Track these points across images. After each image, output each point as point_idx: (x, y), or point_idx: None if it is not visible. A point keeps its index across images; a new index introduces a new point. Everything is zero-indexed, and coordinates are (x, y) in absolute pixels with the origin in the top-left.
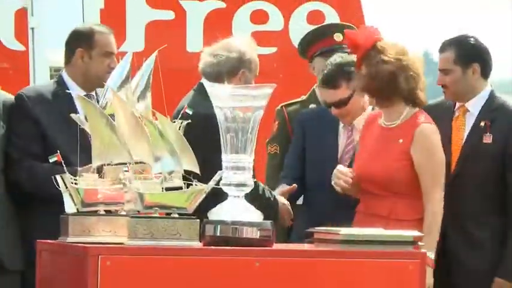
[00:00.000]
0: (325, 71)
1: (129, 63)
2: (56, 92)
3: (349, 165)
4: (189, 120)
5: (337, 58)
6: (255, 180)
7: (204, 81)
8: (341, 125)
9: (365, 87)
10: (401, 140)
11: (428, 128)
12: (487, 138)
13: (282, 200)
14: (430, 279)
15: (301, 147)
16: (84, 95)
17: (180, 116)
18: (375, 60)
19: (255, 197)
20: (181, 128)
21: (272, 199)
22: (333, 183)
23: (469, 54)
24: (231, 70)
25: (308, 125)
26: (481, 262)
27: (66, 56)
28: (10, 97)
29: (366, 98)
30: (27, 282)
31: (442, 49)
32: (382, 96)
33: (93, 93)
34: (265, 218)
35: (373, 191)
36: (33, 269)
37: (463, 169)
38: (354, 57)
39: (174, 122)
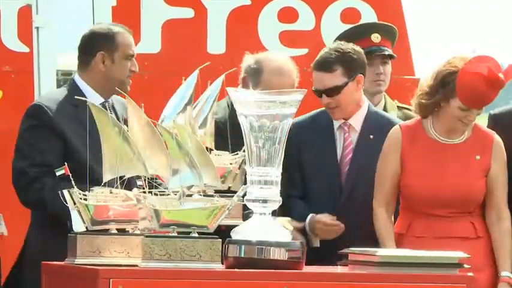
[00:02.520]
0: (321, 53)
1: (193, 85)
2: (72, 100)
3: (350, 170)
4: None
5: (337, 44)
6: None
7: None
8: (335, 127)
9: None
10: (478, 157)
11: (499, 138)
12: None
13: (323, 219)
14: None
15: (297, 161)
16: (101, 103)
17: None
18: None
19: None
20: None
21: None
22: (311, 233)
23: None
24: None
25: (302, 137)
26: None
27: (83, 60)
28: None
29: (363, 95)
30: None
31: None
32: None
33: (110, 99)
34: None
35: (440, 213)
36: None
37: None
38: (350, 44)
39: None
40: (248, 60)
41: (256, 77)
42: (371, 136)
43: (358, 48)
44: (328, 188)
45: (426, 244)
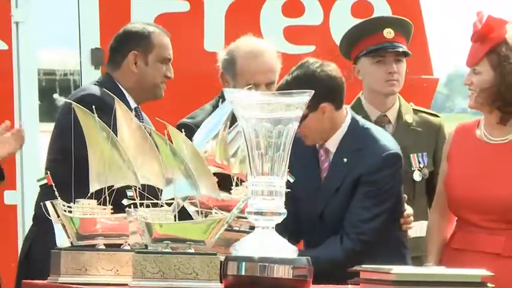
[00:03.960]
0: (281, 81)
1: (227, 115)
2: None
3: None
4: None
5: (298, 68)
6: None
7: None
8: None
9: (485, 89)
10: None
11: None
12: None
13: None
14: None
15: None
16: (135, 108)
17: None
18: (505, 58)
19: None
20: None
21: None
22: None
23: None
24: None
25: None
26: None
27: (114, 60)
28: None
29: (344, 113)
30: None
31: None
32: (507, 102)
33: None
34: None
35: (479, 222)
36: None
37: None
38: (317, 66)
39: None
40: (221, 54)
41: (231, 68)
42: (344, 159)
43: (326, 69)
44: (304, 210)
45: (462, 258)
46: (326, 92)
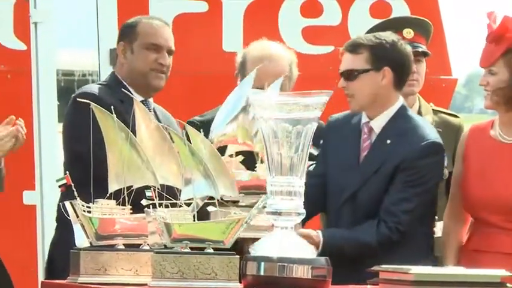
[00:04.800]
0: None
1: (249, 87)
2: (118, 94)
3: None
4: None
5: (379, 32)
6: None
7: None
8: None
9: (501, 89)
10: None
11: None
12: None
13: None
14: None
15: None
16: (142, 101)
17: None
18: None
19: None
20: None
21: None
22: None
23: None
24: None
25: (331, 133)
26: None
27: (114, 56)
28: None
29: (397, 97)
30: None
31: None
32: None
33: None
34: None
35: (497, 223)
36: None
37: None
38: (396, 35)
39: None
40: (238, 56)
41: (242, 71)
42: (388, 141)
43: (402, 42)
44: (333, 186)
45: (481, 259)
46: (396, 60)
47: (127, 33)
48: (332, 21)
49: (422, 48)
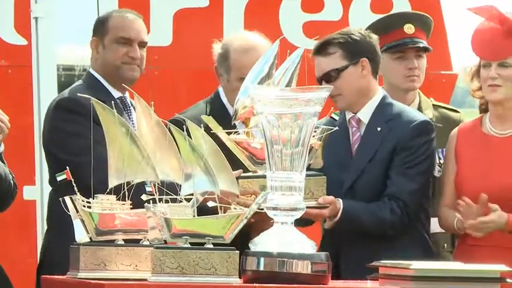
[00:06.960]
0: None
1: (274, 55)
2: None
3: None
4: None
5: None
6: None
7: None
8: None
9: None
10: None
11: None
12: None
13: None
14: None
15: None
16: (118, 98)
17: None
18: None
19: None
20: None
21: None
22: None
23: None
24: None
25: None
26: None
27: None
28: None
29: (377, 84)
30: None
31: None
32: None
33: (126, 95)
34: None
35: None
36: None
37: None
38: (360, 28)
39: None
40: (216, 48)
41: (225, 62)
42: (378, 128)
43: (367, 32)
44: (331, 182)
45: (480, 253)
46: (367, 48)
47: (99, 28)
48: (333, 17)
49: (424, 43)
